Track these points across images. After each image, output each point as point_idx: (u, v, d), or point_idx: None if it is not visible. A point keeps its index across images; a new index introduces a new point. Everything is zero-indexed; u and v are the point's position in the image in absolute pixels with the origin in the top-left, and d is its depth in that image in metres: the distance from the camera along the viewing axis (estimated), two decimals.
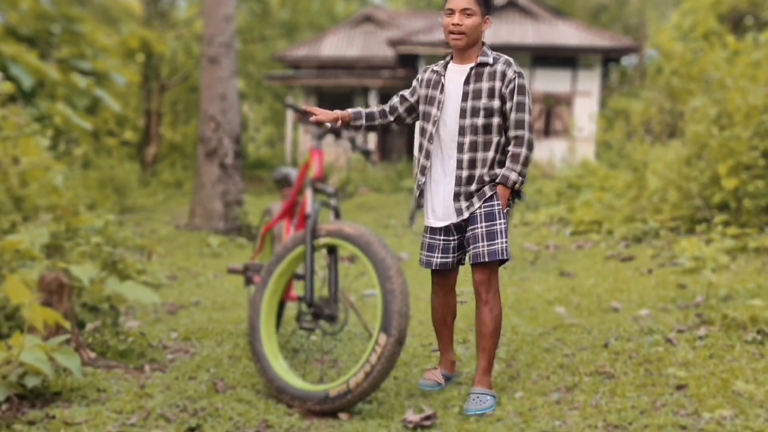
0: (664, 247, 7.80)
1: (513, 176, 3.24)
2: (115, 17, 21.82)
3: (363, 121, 3.51)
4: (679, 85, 12.76)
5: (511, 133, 3.26)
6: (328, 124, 3.50)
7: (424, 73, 3.46)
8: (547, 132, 19.17)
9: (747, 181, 7.50)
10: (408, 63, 19.87)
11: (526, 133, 3.25)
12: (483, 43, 3.34)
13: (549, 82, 19.06)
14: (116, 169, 16.02)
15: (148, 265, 7.26)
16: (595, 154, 18.00)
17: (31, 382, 3.10)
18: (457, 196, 3.29)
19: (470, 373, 3.69)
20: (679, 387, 3.25)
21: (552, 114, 19.20)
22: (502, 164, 3.30)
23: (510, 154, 3.26)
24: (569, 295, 5.60)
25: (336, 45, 22.54)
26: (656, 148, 11.91)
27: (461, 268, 3.50)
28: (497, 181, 3.26)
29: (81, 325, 3.94)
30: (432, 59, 3.40)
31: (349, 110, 3.51)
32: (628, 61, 22.87)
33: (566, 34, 19.09)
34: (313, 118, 3.46)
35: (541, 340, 4.19)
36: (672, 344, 3.87)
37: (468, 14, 3.22)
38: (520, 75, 3.25)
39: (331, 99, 21.64)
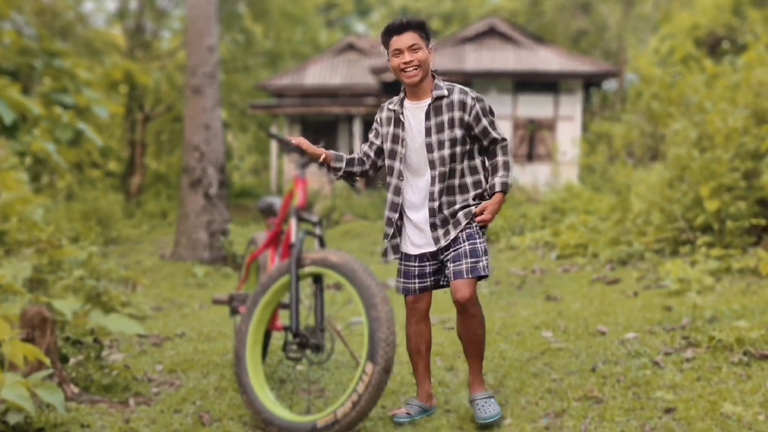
0: (649, 269, 7.84)
1: (504, 180, 3.40)
2: (99, 49, 21.84)
3: (343, 164, 3.53)
4: (660, 108, 12.90)
5: (488, 153, 3.46)
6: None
7: (382, 113, 3.53)
8: (531, 156, 19.29)
9: (729, 203, 7.56)
10: (391, 90, 19.98)
11: (498, 143, 3.44)
12: (434, 76, 3.42)
13: (531, 107, 19.24)
14: (100, 201, 15.94)
15: (132, 297, 7.22)
16: (579, 177, 18.11)
17: (13, 419, 3.05)
18: (433, 226, 3.37)
19: (462, 398, 3.68)
20: (668, 410, 3.24)
21: (535, 139, 19.34)
22: (466, 188, 3.39)
23: (494, 165, 3.43)
24: (556, 319, 5.60)
25: (319, 74, 22.67)
26: (639, 171, 11.99)
27: (434, 297, 3.54)
28: (496, 189, 3.38)
29: (64, 359, 3.89)
30: None
31: (332, 152, 3.55)
32: (609, 85, 23.12)
33: (547, 59, 19.31)
34: (295, 141, 3.48)
35: (529, 365, 4.18)
36: (659, 367, 3.87)
37: (415, 49, 3.30)
38: (479, 99, 3.38)
39: (315, 127, 21.69)
